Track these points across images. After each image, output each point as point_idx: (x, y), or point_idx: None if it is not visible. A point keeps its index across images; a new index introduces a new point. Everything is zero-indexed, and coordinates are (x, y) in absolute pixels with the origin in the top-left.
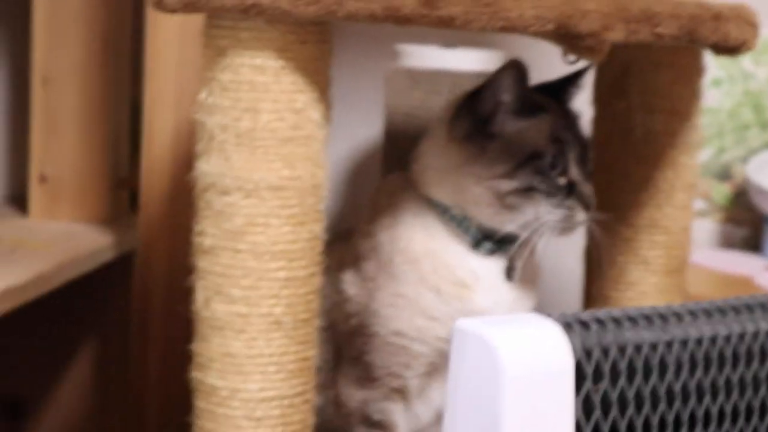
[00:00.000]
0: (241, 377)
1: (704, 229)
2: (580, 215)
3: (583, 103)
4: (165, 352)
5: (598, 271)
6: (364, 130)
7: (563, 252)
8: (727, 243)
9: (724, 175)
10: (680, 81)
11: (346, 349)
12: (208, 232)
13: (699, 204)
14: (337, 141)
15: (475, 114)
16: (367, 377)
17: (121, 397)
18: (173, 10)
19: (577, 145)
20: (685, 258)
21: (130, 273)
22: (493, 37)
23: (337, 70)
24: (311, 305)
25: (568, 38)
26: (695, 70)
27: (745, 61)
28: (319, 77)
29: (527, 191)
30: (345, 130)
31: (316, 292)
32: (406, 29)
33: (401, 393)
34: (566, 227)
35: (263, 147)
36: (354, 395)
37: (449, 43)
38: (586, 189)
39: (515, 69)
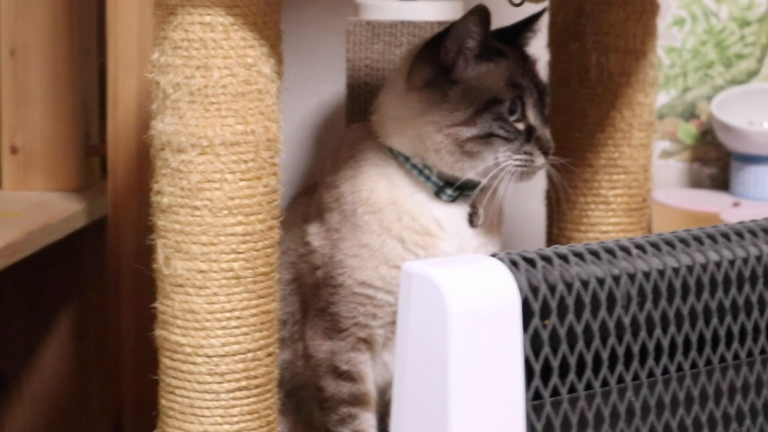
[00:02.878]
0: (204, 333)
1: (672, 168)
2: (539, 160)
3: (539, 48)
4: (138, 313)
5: (559, 213)
6: (327, 84)
7: (526, 196)
8: (695, 182)
9: (690, 114)
10: (633, 19)
11: (313, 301)
12: (165, 191)
13: (666, 144)
14: (301, 96)
15: (436, 61)
16: (333, 328)
17: (101, 361)
18: None
19: (534, 90)
20: (645, 197)
21: (104, 238)
22: None
23: (300, 26)
24: (270, 259)
25: None
26: (649, 8)
27: None
28: (269, 32)
29: (487, 137)
30: (309, 85)
31: (275, 245)
32: None
33: (368, 343)
34: (526, 172)
35: (216, 103)
36: (321, 346)
37: None
38: (545, 134)
39: (480, 14)
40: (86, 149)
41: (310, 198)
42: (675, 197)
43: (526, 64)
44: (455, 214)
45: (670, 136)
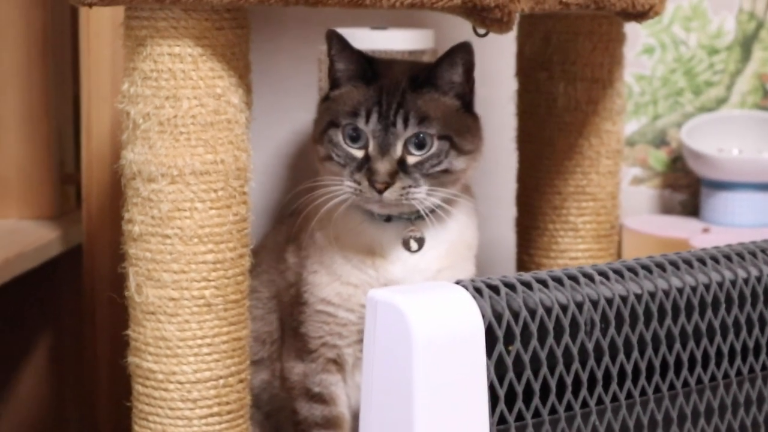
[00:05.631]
0: (175, 360)
1: (643, 195)
2: (370, 192)
3: (508, 77)
4: (113, 340)
5: (529, 240)
6: (300, 112)
7: (497, 222)
8: (666, 208)
9: (660, 141)
10: (600, 49)
11: (288, 321)
12: (136, 220)
13: (636, 170)
14: (275, 124)
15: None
16: (304, 349)
17: (77, 388)
18: (90, 4)
19: (380, 122)
20: (613, 223)
21: (79, 266)
22: (421, 17)
23: (272, 55)
24: (241, 286)
25: (476, 12)
26: (615, 37)
27: (676, 27)
28: (238, 62)
29: (330, 159)
30: (282, 113)
31: (245, 273)
32: (337, 13)
33: (338, 364)
34: (360, 200)
35: (185, 133)
36: (294, 368)
37: (379, 25)
38: (378, 167)
39: (330, 36)
40: (61, 178)
41: (294, 218)
42: (645, 223)
43: (403, 94)
44: (392, 236)
45: (641, 163)
